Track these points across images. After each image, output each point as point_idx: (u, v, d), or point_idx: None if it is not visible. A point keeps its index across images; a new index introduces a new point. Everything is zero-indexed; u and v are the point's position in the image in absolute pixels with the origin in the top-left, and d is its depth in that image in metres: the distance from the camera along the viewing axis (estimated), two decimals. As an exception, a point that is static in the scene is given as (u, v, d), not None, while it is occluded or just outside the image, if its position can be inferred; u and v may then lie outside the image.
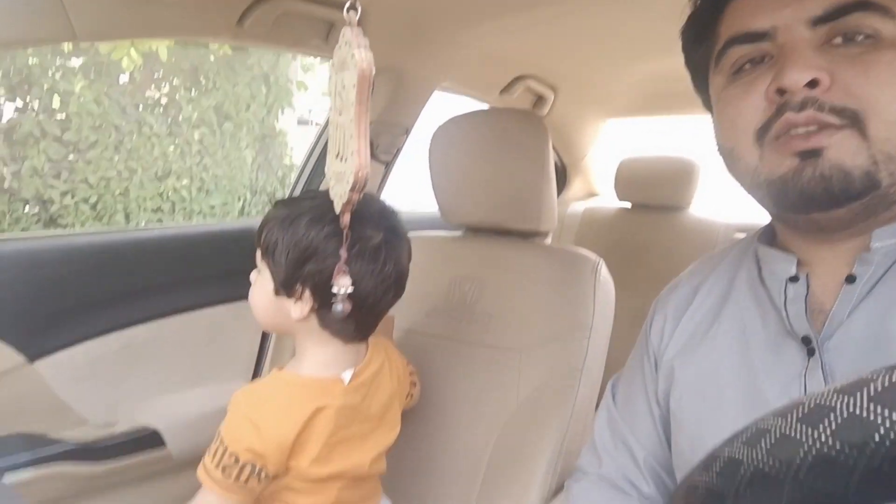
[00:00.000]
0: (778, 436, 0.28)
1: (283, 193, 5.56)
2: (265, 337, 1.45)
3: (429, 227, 1.52)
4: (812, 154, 0.58)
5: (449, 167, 1.32)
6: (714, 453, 0.35)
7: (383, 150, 1.53)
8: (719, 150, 0.71)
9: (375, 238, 0.85)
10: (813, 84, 0.57)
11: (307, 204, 0.86)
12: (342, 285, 0.79)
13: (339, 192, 0.72)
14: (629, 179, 2.21)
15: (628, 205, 2.27)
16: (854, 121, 0.56)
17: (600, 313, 1.19)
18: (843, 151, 0.56)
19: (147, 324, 1.25)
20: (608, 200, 2.47)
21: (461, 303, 1.30)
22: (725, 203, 2.24)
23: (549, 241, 1.38)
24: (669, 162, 2.14)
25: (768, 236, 0.75)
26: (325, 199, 0.85)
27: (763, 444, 0.30)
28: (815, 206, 0.61)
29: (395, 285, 0.91)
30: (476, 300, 1.29)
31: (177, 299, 1.31)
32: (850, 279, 0.62)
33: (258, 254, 0.92)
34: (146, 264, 1.25)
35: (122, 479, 1.18)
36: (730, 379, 0.70)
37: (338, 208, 0.74)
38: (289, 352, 1.48)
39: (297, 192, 1.56)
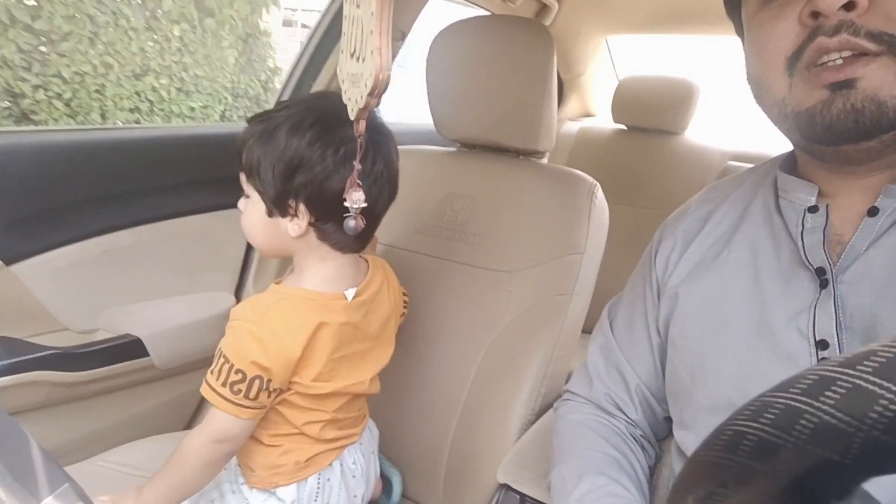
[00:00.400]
0: (850, 387, 0.26)
1: (266, 99, 5.37)
2: (250, 246, 1.42)
3: (421, 142, 1.47)
4: (844, 86, 0.55)
5: (447, 77, 1.26)
6: (766, 400, 0.33)
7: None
8: (748, 78, 0.68)
9: None
10: (849, 6, 0.53)
11: (282, 114, 0.81)
12: (356, 200, 0.73)
13: (354, 95, 0.65)
14: (628, 100, 2.15)
15: (624, 127, 2.21)
16: (891, 47, 0.53)
17: (593, 238, 1.17)
18: (877, 81, 0.53)
19: (129, 229, 1.21)
20: (603, 121, 2.41)
21: (452, 221, 1.27)
22: (722, 130, 2.20)
23: (545, 160, 1.34)
24: (670, 83, 2.07)
25: (789, 164, 0.72)
26: (300, 106, 0.82)
27: (830, 394, 0.27)
28: (844, 139, 0.58)
29: (389, 185, 0.88)
30: (467, 219, 1.26)
31: (160, 205, 1.26)
32: (873, 211, 0.60)
33: (242, 178, 0.88)
34: (128, 166, 1.20)
35: (103, 387, 1.17)
36: (736, 306, 0.69)
37: (352, 114, 0.67)
38: (274, 263, 1.45)
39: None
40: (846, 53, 0.54)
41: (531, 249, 1.18)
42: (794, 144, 0.70)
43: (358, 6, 0.62)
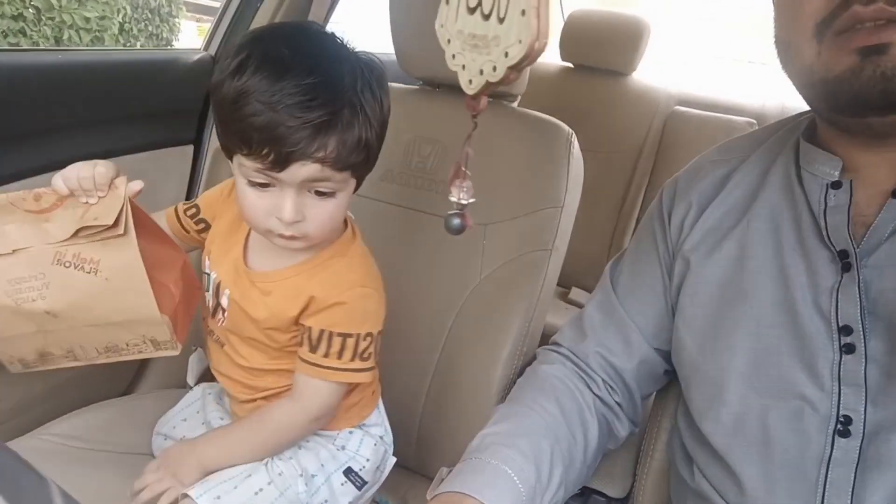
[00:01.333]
0: None
1: (169, 10, 4.92)
2: (192, 190, 1.28)
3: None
4: (875, 51, 0.53)
5: (414, 7, 1.15)
6: None
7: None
8: (776, 42, 0.65)
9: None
10: None
11: (338, 67, 0.70)
12: (464, 194, 0.61)
13: (475, 63, 0.51)
14: (576, 36, 2.08)
15: (571, 66, 2.16)
16: None
17: (572, 190, 1.13)
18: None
19: (50, 174, 1.05)
20: (549, 58, 2.34)
21: (420, 168, 1.19)
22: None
23: (516, 104, 1.27)
24: (620, 19, 2.02)
25: (811, 132, 0.70)
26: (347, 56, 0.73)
27: None
28: (870, 109, 0.57)
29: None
30: (436, 166, 1.19)
31: (85, 144, 1.10)
32: None
33: (336, 176, 0.72)
34: (44, 98, 1.02)
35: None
36: (756, 279, 0.68)
37: (469, 86, 0.53)
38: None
39: (215, 43, 1.31)
40: (881, 23, 0.52)
41: (507, 201, 1.12)
42: (817, 114, 0.67)
43: None
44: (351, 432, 0.92)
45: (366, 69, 0.73)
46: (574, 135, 1.16)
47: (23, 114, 0.99)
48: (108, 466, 0.93)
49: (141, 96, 1.14)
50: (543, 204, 1.11)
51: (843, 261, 0.61)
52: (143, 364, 1.25)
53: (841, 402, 0.61)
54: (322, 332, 0.80)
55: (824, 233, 0.62)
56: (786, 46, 0.62)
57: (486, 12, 0.49)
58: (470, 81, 0.53)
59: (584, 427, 0.78)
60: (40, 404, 1.05)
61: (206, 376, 1.24)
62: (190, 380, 1.19)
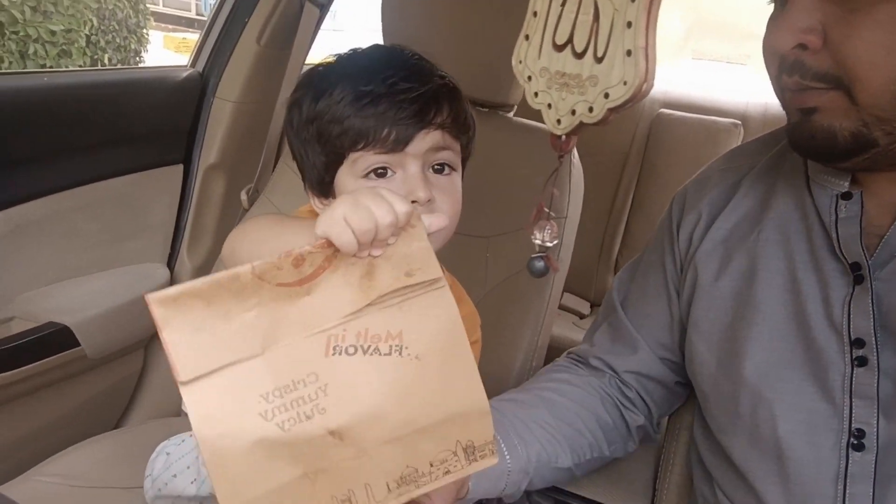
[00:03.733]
0: None
1: (136, 20, 4.82)
2: (182, 211, 1.25)
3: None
4: (810, 112, 0.56)
5: (406, 24, 1.13)
6: None
7: (321, -12, 1.29)
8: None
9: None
10: (803, 46, 0.54)
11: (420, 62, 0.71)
12: (548, 237, 0.58)
13: (565, 105, 0.48)
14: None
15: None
16: (839, 85, 0.54)
17: (574, 200, 1.12)
18: (831, 113, 0.55)
19: (40, 199, 1.01)
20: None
21: (418, 182, 1.17)
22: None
23: (512, 114, 1.26)
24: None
25: None
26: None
27: None
28: (819, 159, 0.61)
29: None
30: (435, 180, 1.16)
31: (71, 169, 1.06)
32: None
33: (454, 145, 0.70)
34: (32, 123, 0.98)
35: (27, 388, 1.00)
36: (768, 291, 0.67)
37: (558, 125, 0.49)
38: (211, 227, 1.29)
39: (202, 60, 1.28)
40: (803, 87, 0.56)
41: (509, 213, 1.11)
42: None
43: None
44: None
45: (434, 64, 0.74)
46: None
47: (3, 141, 0.95)
48: (108, 504, 0.89)
49: (128, 117, 1.11)
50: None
51: (856, 273, 0.60)
52: (134, 395, 1.21)
53: (853, 415, 0.60)
54: None
55: (836, 245, 0.61)
56: (768, 70, 0.63)
57: (580, 50, 0.47)
58: (558, 121, 0.50)
59: (585, 405, 0.78)
60: (28, 445, 1.01)
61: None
62: (185, 406, 1.15)
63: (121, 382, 1.17)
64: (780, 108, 0.64)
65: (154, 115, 1.15)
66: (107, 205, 1.12)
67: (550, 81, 0.49)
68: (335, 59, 0.74)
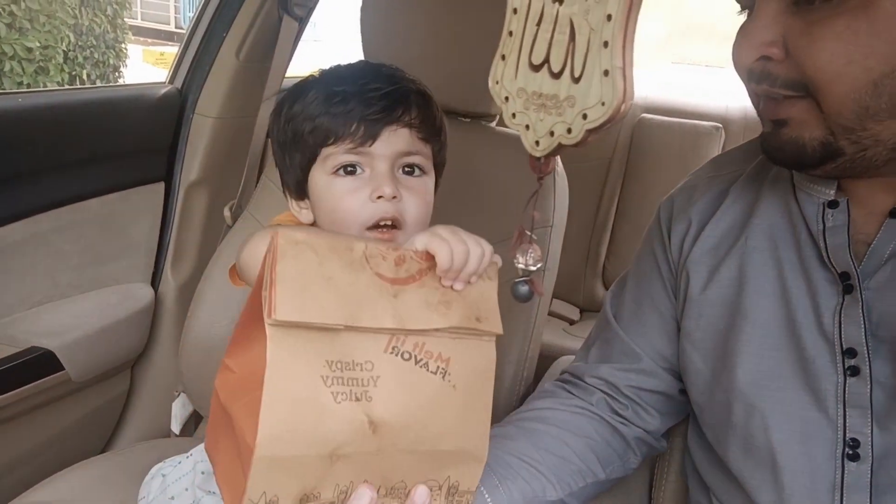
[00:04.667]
0: None
1: (114, 35, 4.78)
2: (165, 230, 1.23)
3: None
4: (781, 123, 0.57)
5: (388, 31, 1.13)
6: None
7: (297, 2, 1.28)
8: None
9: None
10: (766, 59, 0.55)
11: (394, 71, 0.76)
12: (532, 260, 0.57)
13: (542, 126, 0.47)
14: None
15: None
16: (807, 93, 0.54)
17: (559, 208, 1.12)
18: (801, 123, 0.56)
19: (19, 222, 1.00)
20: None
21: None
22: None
23: (494, 124, 1.26)
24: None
25: None
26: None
27: None
28: (789, 167, 0.62)
29: None
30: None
31: (50, 190, 1.05)
32: (895, 213, 0.59)
33: (419, 143, 0.73)
34: (7, 146, 0.97)
35: (11, 414, 0.98)
36: (757, 300, 0.67)
37: (535, 147, 0.49)
38: (194, 245, 1.27)
39: (180, 76, 1.27)
40: (775, 96, 0.56)
41: (494, 224, 1.08)
42: None
43: (566, 3, 0.44)
44: None
45: (419, 82, 0.77)
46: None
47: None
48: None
49: (107, 136, 1.09)
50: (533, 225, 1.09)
51: (845, 283, 0.60)
52: (121, 417, 1.19)
53: (847, 424, 0.60)
54: None
55: (824, 254, 0.61)
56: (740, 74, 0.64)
57: (556, 70, 0.46)
58: (537, 143, 0.49)
59: (576, 431, 0.76)
60: (12, 472, 0.99)
61: (192, 422, 1.19)
62: (174, 427, 1.14)
63: (107, 405, 1.15)
64: None
65: (133, 134, 1.13)
66: (88, 225, 1.10)
67: (528, 102, 0.49)
68: (319, 71, 0.77)
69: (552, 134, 0.47)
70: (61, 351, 1.01)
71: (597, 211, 2.00)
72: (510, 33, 0.50)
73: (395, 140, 0.69)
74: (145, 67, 6.11)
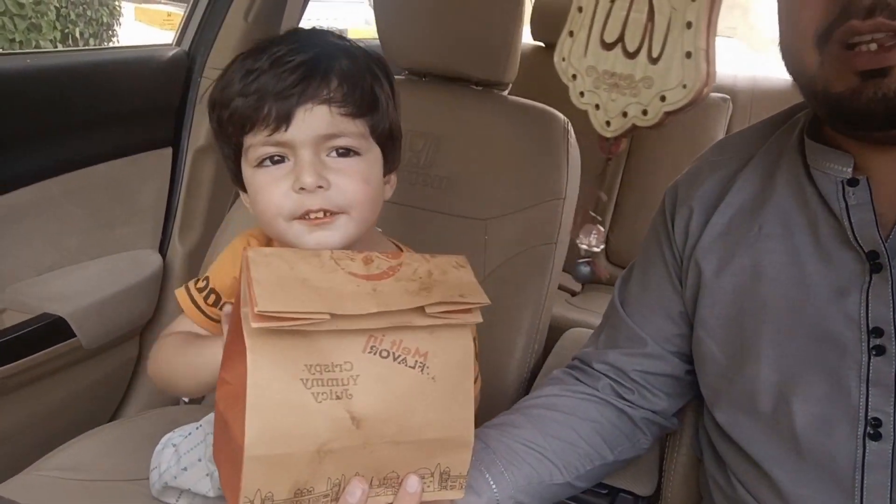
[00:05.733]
0: None
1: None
2: (172, 196, 1.22)
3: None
4: (877, 74, 0.52)
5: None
6: None
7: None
8: (780, 44, 0.62)
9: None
10: None
11: (327, 40, 0.67)
12: (595, 241, 0.57)
13: (615, 106, 0.47)
14: (547, 15, 2.05)
15: (542, 45, 2.13)
16: None
17: (572, 180, 1.12)
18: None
19: (27, 187, 0.98)
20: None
21: (413, 163, 1.16)
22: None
23: (506, 92, 1.24)
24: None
25: (815, 129, 0.67)
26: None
27: None
28: (873, 126, 0.57)
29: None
30: (431, 161, 1.15)
31: (57, 153, 1.03)
32: None
33: (352, 127, 0.65)
34: (10, 107, 0.95)
35: (23, 380, 0.97)
36: (774, 288, 0.66)
37: (606, 128, 0.49)
38: (202, 212, 1.26)
39: (187, 38, 1.24)
40: (879, 36, 0.51)
41: (507, 194, 1.10)
42: (822, 120, 0.66)
43: None
44: None
45: (361, 49, 0.69)
46: (569, 123, 1.14)
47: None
48: (109, 497, 0.88)
49: (115, 99, 1.07)
50: (545, 196, 1.08)
51: (873, 262, 0.59)
52: (130, 383, 1.19)
53: (869, 403, 0.60)
54: None
55: (849, 233, 0.60)
56: (787, 51, 0.60)
57: (632, 49, 0.45)
58: (608, 123, 0.48)
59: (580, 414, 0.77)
60: (25, 439, 0.99)
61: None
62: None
63: (117, 371, 1.15)
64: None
65: (141, 97, 1.11)
66: (96, 190, 1.09)
67: (598, 81, 0.48)
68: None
69: (625, 115, 0.47)
70: (73, 317, 1.01)
71: (602, 180, 1.98)
72: (579, 9, 0.48)
73: (312, 121, 0.62)
74: (138, 26, 5.97)
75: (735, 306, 0.69)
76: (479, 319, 0.58)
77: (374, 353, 0.54)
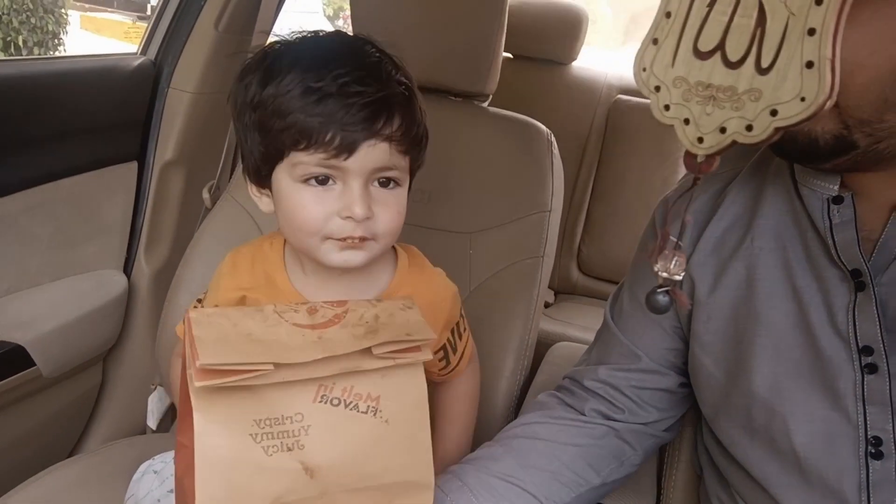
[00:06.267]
0: None
1: (53, 0, 4.51)
2: (138, 212, 1.15)
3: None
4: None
5: (380, 5, 1.08)
6: None
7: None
8: None
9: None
10: None
11: (376, 59, 0.66)
12: (675, 269, 0.52)
13: (710, 121, 0.42)
14: (515, 26, 2.04)
15: (510, 56, 2.12)
16: None
17: (557, 192, 1.10)
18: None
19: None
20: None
21: (395, 176, 1.12)
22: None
23: (487, 104, 1.22)
24: (558, 9, 2.00)
25: None
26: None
27: None
28: (800, 161, 0.59)
29: None
30: (419, 174, 1.11)
31: (19, 169, 0.96)
32: None
33: (402, 162, 0.68)
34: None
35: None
36: (768, 302, 0.65)
37: (699, 147, 0.44)
38: (169, 231, 1.20)
39: (153, 47, 1.18)
40: None
41: (492, 207, 1.08)
42: None
43: None
44: None
45: (399, 63, 0.70)
46: (552, 134, 1.13)
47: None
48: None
49: (76, 111, 1.00)
50: (531, 209, 1.06)
51: (856, 280, 0.59)
52: (94, 411, 1.12)
53: (868, 422, 0.60)
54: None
55: (833, 251, 0.60)
56: None
57: (734, 59, 0.41)
58: (700, 139, 0.44)
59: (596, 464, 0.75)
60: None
61: (169, 417, 1.13)
62: (150, 422, 1.08)
63: (78, 401, 1.08)
64: None
65: (104, 109, 1.05)
66: (57, 207, 1.02)
67: (689, 93, 0.43)
68: (295, 40, 0.68)
69: (723, 130, 0.42)
70: (32, 345, 0.94)
71: (572, 193, 1.98)
72: (667, 14, 0.44)
73: (373, 155, 0.63)
74: (84, 35, 5.79)
75: (730, 321, 0.68)
76: (429, 356, 0.59)
77: (325, 402, 0.55)
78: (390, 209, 0.66)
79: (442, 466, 0.76)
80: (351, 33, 0.75)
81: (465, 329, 0.83)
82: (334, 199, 0.64)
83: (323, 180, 0.64)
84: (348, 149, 0.62)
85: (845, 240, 0.59)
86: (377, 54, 0.67)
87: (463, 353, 0.81)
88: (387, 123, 0.63)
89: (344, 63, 0.63)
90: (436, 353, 0.77)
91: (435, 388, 0.82)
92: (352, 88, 0.62)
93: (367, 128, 0.62)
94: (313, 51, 0.66)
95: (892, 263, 0.58)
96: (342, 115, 0.61)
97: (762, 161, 0.70)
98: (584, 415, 0.77)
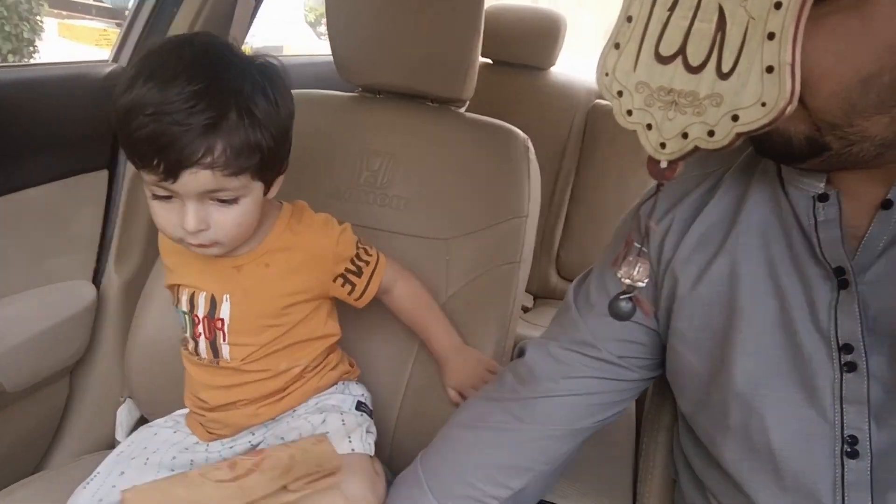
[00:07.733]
0: None
1: (29, 6, 4.44)
2: (108, 221, 1.13)
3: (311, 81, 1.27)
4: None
5: (356, 12, 1.07)
6: None
7: (254, -25, 1.19)
8: None
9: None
10: None
11: (224, 73, 0.69)
12: (638, 276, 0.51)
13: (672, 126, 0.42)
14: (493, 31, 2.04)
15: (489, 61, 2.12)
16: None
17: (534, 198, 1.10)
18: (787, 119, 0.53)
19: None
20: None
21: (371, 183, 1.11)
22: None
23: (463, 109, 1.22)
24: (537, 14, 2.01)
25: None
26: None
27: None
28: (777, 160, 0.60)
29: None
30: (389, 180, 1.11)
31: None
32: (887, 204, 0.57)
33: (234, 183, 0.72)
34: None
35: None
36: (751, 297, 0.65)
37: (662, 153, 0.44)
38: (140, 239, 1.17)
39: (125, 54, 1.16)
40: None
41: (468, 213, 1.07)
42: None
43: None
44: (345, 384, 0.95)
45: (258, 73, 0.72)
46: (529, 140, 1.12)
47: None
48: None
49: (44, 119, 0.98)
50: (507, 215, 1.06)
51: (840, 278, 0.59)
52: (60, 426, 1.09)
53: (844, 421, 0.59)
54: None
55: (817, 249, 0.60)
56: None
57: (695, 63, 0.40)
58: (662, 145, 0.43)
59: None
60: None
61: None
62: (119, 436, 1.05)
63: (43, 416, 1.05)
64: None
65: (74, 117, 1.02)
66: (24, 218, 0.99)
67: (651, 98, 0.42)
68: (156, 48, 0.70)
69: (685, 136, 0.42)
70: (-4, 360, 0.91)
71: (551, 197, 1.98)
72: (628, 19, 0.44)
73: (198, 180, 0.68)
74: (62, 42, 5.72)
75: (714, 317, 0.67)
76: (341, 479, 0.69)
77: None
78: (227, 221, 0.73)
79: (440, 348, 0.97)
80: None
81: (371, 255, 0.93)
82: (175, 213, 0.71)
83: (166, 196, 0.70)
84: (172, 175, 0.66)
85: (830, 237, 0.59)
86: (220, 64, 0.69)
87: (372, 274, 0.91)
88: (206, 153, 0.66)
89: (188, 78, 0.66)
90: (334, 280, 0.88)
91: (386, 306, 0.97)
92: (175, 117, 0.65)
93: (188, 157, 0.66)
94: (169, 60, 0.68)
95: (875, 262, 0.58)
96: (167, 141, 0.65)
97: (752, 159, 0.70)
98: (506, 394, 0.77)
